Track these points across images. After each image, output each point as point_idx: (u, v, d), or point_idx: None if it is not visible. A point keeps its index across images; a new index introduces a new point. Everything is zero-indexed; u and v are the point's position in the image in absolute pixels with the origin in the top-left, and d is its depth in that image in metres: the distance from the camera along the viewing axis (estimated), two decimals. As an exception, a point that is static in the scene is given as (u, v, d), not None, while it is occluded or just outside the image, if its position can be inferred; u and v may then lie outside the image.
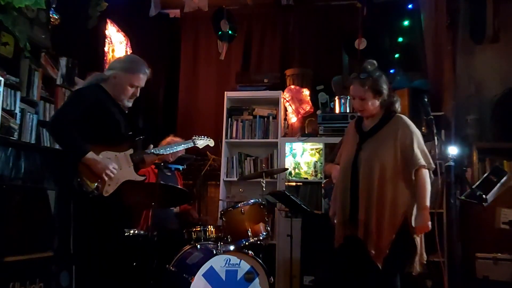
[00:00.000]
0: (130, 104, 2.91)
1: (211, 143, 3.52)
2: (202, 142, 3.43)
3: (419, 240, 2.60)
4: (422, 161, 2.58)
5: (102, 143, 2.71)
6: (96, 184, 2.63)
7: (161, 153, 3.02)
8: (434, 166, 2.64)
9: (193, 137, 3.43)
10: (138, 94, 2.90)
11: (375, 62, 2.76)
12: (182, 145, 3.30)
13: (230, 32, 5.39)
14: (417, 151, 2.59)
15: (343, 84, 4.99)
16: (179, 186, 4.05)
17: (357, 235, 2.59)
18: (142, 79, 2.86)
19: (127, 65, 2.87)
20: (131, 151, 2.83)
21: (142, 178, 2.89)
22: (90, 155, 2.60)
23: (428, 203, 2.55)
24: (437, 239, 2.92)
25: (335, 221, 2.77)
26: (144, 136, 2.98)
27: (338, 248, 2.72)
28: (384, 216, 2.55)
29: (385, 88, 2.71)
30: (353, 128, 2.84)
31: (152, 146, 3.01)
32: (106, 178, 2.63)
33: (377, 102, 2.70)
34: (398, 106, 2.76)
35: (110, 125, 2.77)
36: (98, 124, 2.72)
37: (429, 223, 2.52)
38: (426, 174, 2.60)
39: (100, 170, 2.62)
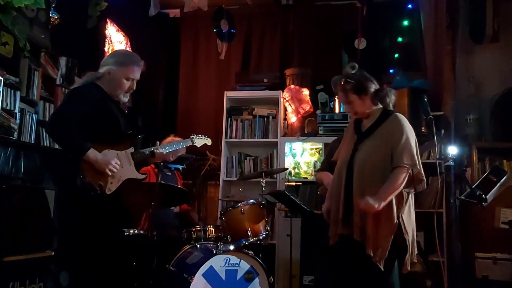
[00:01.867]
0: (126, 99, 2.91)
1: (208, 142, 3.57)
2: (200, 141, 3.48)
3: (410, 239, 2.57)
4: (403, 161, 2.50)
5: (103, 142, 2.70)
6: (99, 182, 2.63)
7: (161, 151, 3.02)
8: (419, 169, 2.55)
9: (191, 136, 3.47)
10: (134, 87, 2.89)
11: (355, 64, 2.76)
12: (182, 144, 3.32)
13: (229, 31, 5.40)
14: (401, 149, 2.52)
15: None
16: (179, 186, 4.05)
17: (353, 235, 2.58)
18: (136, 71, 2.85)
19: (120, 58, 2.86)
20: (131, 149, 2.83)
21: (143, 176, 2.89)
22: (92, 152, 2.60)
23: (387, 198, 2.45)
24: (437, 239, 2.93)
25: (330, 219, 2.77)
26: (144, 134, 2.98)
27: (333, 245, 2.72)
28: (381, 219, 2.52)
29: (369, 84, 2.68)
30: (352, 128, 2.83)
31: (158, 142, 3.02)
32: (109, 173, 2.63)
33: (366, 100, 2.69)
34: (390, 99, 2.71)
35: (109, 123, 2.76)
36: (97, 122, 2.71)
37: (372, 209, 2.43)
38: (400, 174, 2.49)
39: (102, 166, 2.62)
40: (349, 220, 2.59)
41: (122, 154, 2.77)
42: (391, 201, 2.53)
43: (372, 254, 2.51)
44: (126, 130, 2.84)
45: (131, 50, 5.38)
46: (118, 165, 2.68)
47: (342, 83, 2.69)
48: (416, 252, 2.62)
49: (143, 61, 2.90)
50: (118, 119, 2.80)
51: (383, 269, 2.50)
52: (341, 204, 2.65)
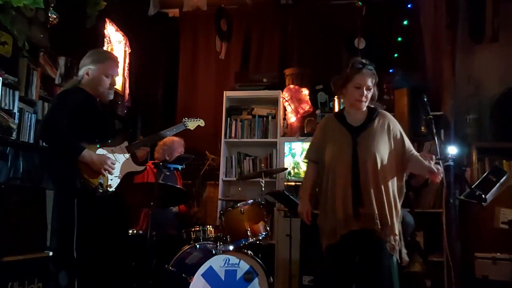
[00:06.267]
0: (111, 96, 2.95)
1: (201, 123, 3.57)
2: (193, 123, 3.47)
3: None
4: (415, 152, 2.77)
5: (96, 140, 2.72)
6: (98, 180, 2.64)
7: (154, 140, 3.05)
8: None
9: (184, 119, 3.46)
10: (115, 84, 2.94)
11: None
12: (174, 129, 3.30)
13: (228, 31, 5.40)
14: (408, 143, 2.78)
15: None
16: (178, 186, 4.05)
17: (364, 230, 2.59)
18: (113, 66, 2.90)
19: (95, 57, 2.90)
20: (125, 143, 2.86)
21: (142, 167, 2.91)
22: (86, 152, 2.61)
23: None
24: (437, 239, 2.94)
25: (328, 218, 2.73)
26: (132, 128, 3.02)
27: (337, 244, 2.67)
28: (392, 208, 2.64)
29: None
30: (336, 124, 2.82)
31: (142, 137, 3.02)
32: (105, 174, 2.64)
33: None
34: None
35: (99, 121, 2.80)
36: (88, 122, 2.73)
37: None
38: None
39: (98, 166, 2.63)
40: (359, 215, 2.60)
41: (117, 150, 2.80)
42: (394, 190, 2.69)
43: (390, 244, 2.60)
44: (115, 127, 2.88)
45: (130, 50, 5.38)
46: (114, 164, 2.69)
47: (372, 70, 2.75)
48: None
49: (117, 57, 2.94)
50: (106, 117, 2.85)
51: (400, 260, 2.64)
52: (349, 200, 2.63)
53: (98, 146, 2.76)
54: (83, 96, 2.78)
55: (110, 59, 2.90)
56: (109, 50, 4.98)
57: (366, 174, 2.63)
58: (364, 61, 2.77)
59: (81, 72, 2.85)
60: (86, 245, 2.65)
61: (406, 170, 2.76)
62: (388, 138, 2.73)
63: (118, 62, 2.95)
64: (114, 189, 2.73)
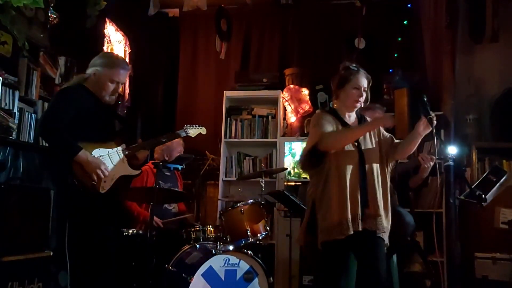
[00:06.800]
0: (112, 101, 2.92)
1: (203, 131, 3.47)
2: (194, 130, 3.40)
3: None
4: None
5: (94, 140, 2.72)
6: (92, 181, 2.64)
7: (152, 145, 3.04)
8: None
9: (185, 126, 3.39)
10: (119, 90, 2.91)
11: None
12: (175, 135, 3.28)
13: (228, 31, 5.41)
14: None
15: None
16: (177, 189, 4.04)
17: (369, 228, 2.58)
18: (121, 74, 2.87)
19: (106, 60, 2.88)
20: (123, 146, 2.85)
21: (137, 172, 2.90)
22: (82, 153, 2.61)
23: None
24: (436, 239, 2.93)
25: (330, 216, 2.64)
26: (132, 129, 3.00)
27: (338, 241, 2.59)
28: (389, 209, 2.66)
29: None
30: (335, 122, 2.76)
31: (140, 140, 3.01)
32: (95, 179, 2.64)
33: None
34: None
35: (97, 123, 2.79)
36: (87, 122, 2.73)
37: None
38: None
39: (92, 169, 2.63)
40: (365, 215, 2.60)
41: (113, 152, 2.79)
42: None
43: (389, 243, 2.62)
44: (114, 128, 2.87)
45: (130, 50, 5.38)
46: (106, 170, 2.68)
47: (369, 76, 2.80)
48: None
49: (130, 65, 2.91)
50: (105, 118, 2.84)
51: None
52: (357, 201, 2.61)
53: (106, 143, 2.75)
54: (85, 94, 2.78)
55: (120, 66, 2.86)
56: (109, 50, 4.98)
57: (372, 175, 2.64)
58: (355, 64, 2.81)
59: (89, 70, 2.84)
60: (81, 245, 2.65)
61: (397, 157, 2.80)
62: (379, 139, 2.78)
63: (128, 70, 2.92)
64: (106, 191, 2.72)
